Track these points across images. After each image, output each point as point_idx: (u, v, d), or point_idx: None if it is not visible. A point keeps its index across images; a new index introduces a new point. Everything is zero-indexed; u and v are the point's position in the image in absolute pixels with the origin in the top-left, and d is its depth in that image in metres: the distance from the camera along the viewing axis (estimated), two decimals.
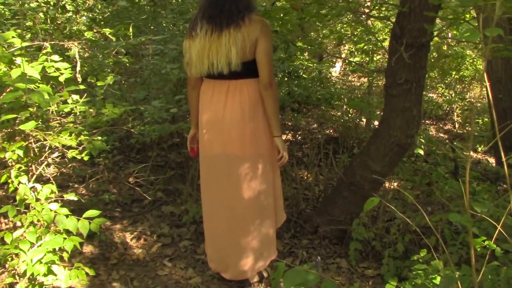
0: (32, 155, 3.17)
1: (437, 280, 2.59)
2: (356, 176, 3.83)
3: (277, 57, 4.76)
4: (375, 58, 6.74)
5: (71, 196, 2.84)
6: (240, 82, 3.09)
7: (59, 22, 4.11)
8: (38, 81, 2.81)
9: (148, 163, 5.22)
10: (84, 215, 2.81)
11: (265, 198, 3.26)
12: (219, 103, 3.11)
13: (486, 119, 6.82)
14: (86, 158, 2.95)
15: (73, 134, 2.80)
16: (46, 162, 3.33)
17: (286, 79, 5.22)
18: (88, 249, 3.91)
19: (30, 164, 3.18)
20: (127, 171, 5.15)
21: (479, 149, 6.68)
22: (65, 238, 2.75)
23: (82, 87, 3.11)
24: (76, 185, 4.67)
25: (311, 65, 5.95)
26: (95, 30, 3.25)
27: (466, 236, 3.42)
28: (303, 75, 5.42)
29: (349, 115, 5.80)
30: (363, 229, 3.84)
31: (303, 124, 6.91)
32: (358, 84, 7.61)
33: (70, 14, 4.25)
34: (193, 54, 3.05)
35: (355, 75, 8.22)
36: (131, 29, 3.72)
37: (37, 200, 2.74)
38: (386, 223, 3.95)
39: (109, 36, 3.32)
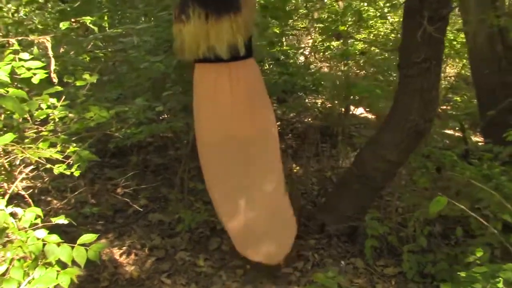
0: (3, 172, 2.62)
1: (500, 285, 2.21)
2: (367, 168, 3.44)
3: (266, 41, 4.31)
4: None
5: (60, 220, 2.31)
6: (242, 64, 2.94)
7: (22, 14, 3.54)
8: (8, 84, 2.27)
9: (125, 167, 4.69)
10: (78, 241, 2.30)
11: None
12: (223, 95, 2.94)
13: (465, 97, 6.59)
14: (77, 174, 2.43)
15: (57, 145, 2.28)
16: (19, 178, 2.77)
17: (275, 68, 4.77)
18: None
19: (1, 182, 2.63)
20: (104, 177, 4.60)
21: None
22: (58, 272, 2.22)
23: (59, 88, 2.56)
24: (49, 199, 4.10)
25: (292, 51, 5.51)
26: (73, 20, 2.71)
27: (497, 224, 3.07)
28: (289, 61, 4.99)
29: (334, 102, 5.41)
30: (377, 224, 3.45)
31: (279, 114, 6.49)
32: (327, 70, 7.21)
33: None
34: (186, 38, 2.83)
35: (323, 61, 7.81)
36: (106, 18, 3.20)
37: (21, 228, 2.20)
38: (401, 216, 3.57)
39: (90, 26, 2.79)
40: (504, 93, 5.23)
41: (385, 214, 3.63)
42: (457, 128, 5.93)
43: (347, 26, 5.02)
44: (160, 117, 3.92)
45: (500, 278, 2.26)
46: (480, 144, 5.67)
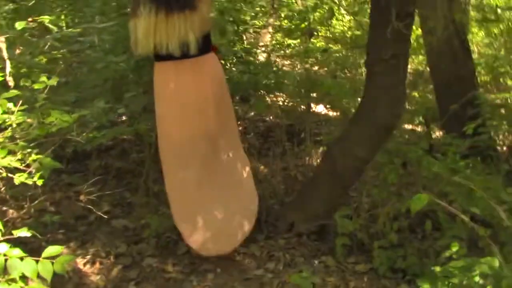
0: None
1: (477, 278, 2.20)
2: (336, 165, 3.41)
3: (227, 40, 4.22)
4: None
5: (23, 232, 2.16)
6: (200, 60, 2.98)
7: None
8: None
9: (84, 172, 4.51)
10: (44, 254, 2.16)
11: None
12: (186, 91, 3.00)
13: (422, 92, 6.67)
14: (40, 183, 2.28)
15: (19, 153, 2.13)
16: None
17: (237, 66, 4.68)
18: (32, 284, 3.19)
19: None
20: (62, 183, 4.41)
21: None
22: None
23: (16, 92, 2.41)
24: (4, 209, 3.89)
25: (253, 50, 5.43)
26: (30, 19, 2.55)
27: (465, 216, 3.08)
28: (251, 60, 4.92)
29: (296, 100, 5.36)
30: (347, 222, 3.42)
31: (240, 113, 6.40)
32: (289, 68, 7.16)
33: None
34: (138, 34, 2.87)
35: (281, 58, 7.76)
36: (63, 17, 3.04)
37: None
38: (369, 212, 3.55)
39: (49, 25, 2.63)
40: (460, 86, 5.32)
41: (354, 211, 3.60)
42: (416, 123, 6.00)
43: (316, 23, 4.99)
44: (121, 120, 3.77)
45: (476, 272, 2.26)
46: (439, 138, 5.76)
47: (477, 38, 8.41)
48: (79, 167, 4.65)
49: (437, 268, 2.48)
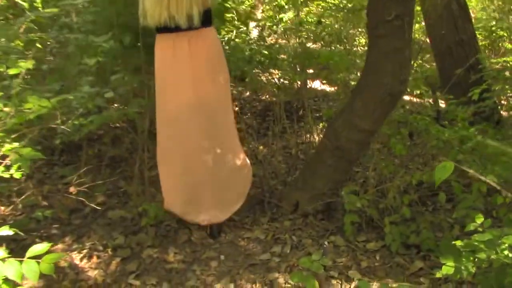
0: None
1: (506, 252, 1.98)
2: (341, 139, 3.18)
3: None
4: None
5: (4, 231, 1.93)
6: (199, 32, 3.00)
7: None
8: None
9: (77, 164, 4.27)
10: (28, 253, 1.94)
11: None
12: (183, 60, 3.00)
13: (419, 61, 6.43)
14: (18, 176, 2.04)
15: None
16: None
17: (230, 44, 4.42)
18: (28, 283, 2.97)
19: None
20: (55, 176, 4.17)
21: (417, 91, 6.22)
22: None
23: None
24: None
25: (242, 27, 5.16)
26: None
27: (482, 185, 2.86)
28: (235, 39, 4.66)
29: (293, 76, 5.10)
30: (355, 198, 3.20)
31: (235, 94, 6.15)
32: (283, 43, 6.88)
33: None
34: (147, 4, 2.90)
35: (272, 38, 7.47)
36: None
37: None
38: (377, 187, 3.33)
39: (21, 2, 2.37)
40: (461, 51, 5.09)
41: (361, 187, 3.38)
42: (417, 93, 5.76)
43: None
44: (112, 105, 3.52)
45: (505, 245, 2.04)
46: (442, 106, 5.52)
47: (472, 2, 8.15)
48: (72, 159, 4.41)
49: (458, 242, 2.26)
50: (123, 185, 3.95)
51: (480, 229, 2.17)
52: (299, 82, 5.76)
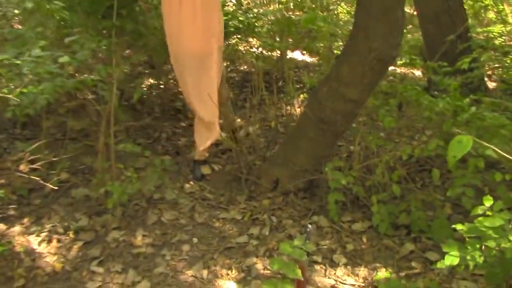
0: None
1: None
2: (325, 110, 2.84)
3: None
4: None
5: None
6: None
7: None
8: None
9: (40, 138, 3.86)
10: None
11: None
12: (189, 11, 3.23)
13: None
14: None
15: None
16: None
17: None
18: None
19: None
20: (15, 151, 3.76)
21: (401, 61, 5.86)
22: None
23: None
24: None
25: None
26: None
27: (479, 161, 2.56)
28: None
29: (272, 44, 4.72)
30: (340, 174, 2.87)
31: None
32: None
33: None
34: None
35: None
36: None
37: None
38: (365, 163, 3.01)
39: None
40: (448, 19, 4.76)
41: (346, 162, 3.06)
42: (400, 63, 5.42)
43: None
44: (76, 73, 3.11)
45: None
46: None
47: None
48: (34, 133, 4.00)
49: (459, 226, 1.96)
50: (88, 161, 3.56)
51: (489, 213, 1.86)
52: (278, 52, 5.39)
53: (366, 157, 3.11)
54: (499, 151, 1.71)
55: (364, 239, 2.81)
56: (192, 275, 2.59)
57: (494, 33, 5.80)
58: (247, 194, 3.26)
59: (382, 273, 2.51)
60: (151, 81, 4.98)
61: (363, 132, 3.04)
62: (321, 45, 4.58)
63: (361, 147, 3.12)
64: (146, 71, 5.03)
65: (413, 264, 2.60)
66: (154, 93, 4.85)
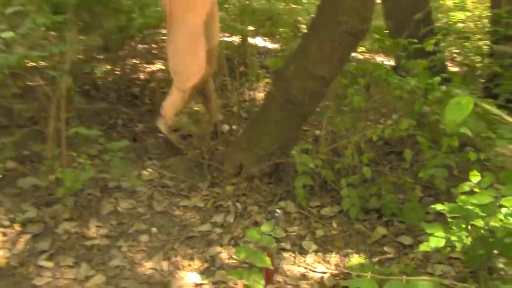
0: None
1: (502, 216, 1.53)
2: (292, 89, 2.66)
3: None
4: None
5: None
6: None
7: None
8: None
9: None
10: None
11: None
12: None
13: None
14: None
15: None
16: None
17: None
18: None
19: None
20: None
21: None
22: None
23: None
24: None
25: None
26: None
27: (453, 140, 2.43)
28: None
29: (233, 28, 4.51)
30: (307, 157, 2.70)
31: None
32: None
33: None
34: None
35: None
36: None
37: None
38: (333, 145, 2.85)
39: None
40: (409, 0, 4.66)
41: (313, 145, 2.89)
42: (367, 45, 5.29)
43: None
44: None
45: (503, 208, 1.59)
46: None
47: None
48: None
49: (440, 206, 1.81)
50: (36, 148, 3.27)
51: (477, 190, 1.71)
52: (239, 37, 5.19)
53: (334, 140, 2.95)
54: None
55: (334, 225, 2.65)
56: (151, 267, 2.37)
57: (455, 19, 5.77)
58: (209, 181, 3.05)
59: (355, 259, 2.36)
60: (108, 67, 4.69)
61: (331, 112, 2.88)
62: (283, 29, 4.39)
63: (328, 131, 2.96)
64: (101, 57, 4.75)
65: (386, 249, 2.46)
66: (109, 79, 4.57)
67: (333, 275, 2.29)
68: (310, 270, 2.34)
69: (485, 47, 4.92)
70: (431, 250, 1.63)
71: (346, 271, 2.29)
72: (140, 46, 5.11)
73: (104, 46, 4.74)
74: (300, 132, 3.24)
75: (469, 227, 1.61)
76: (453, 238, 1.57)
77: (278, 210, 2.17)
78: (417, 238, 2.52)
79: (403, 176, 2.81)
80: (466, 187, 1.74)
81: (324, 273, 2.31)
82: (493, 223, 1.53)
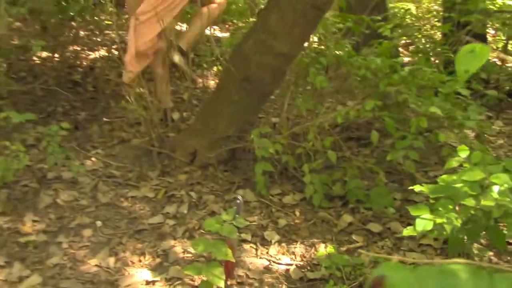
0: None
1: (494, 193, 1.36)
2: (251, 66, 2.43)
3: None
4: None
5: None
6: None
7: None
8: None
9: None
10: None
11: None
12: None
13: None
14: None
15: None
16: None
17: None
18: None
19: None
20: None
21: None
22: None
23: None
24: None
25: None
26: None
27: (421, 120, 2.27)
28: None
29: None
30: (267, 142, 2.48)
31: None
32: None
33: None
34: None
35: None
36: None
37: None
38: (295, 128, 2.64)
39: None
40: None
41: (273, 129, 2.67)
42: None
43: None
44: None
45: (494, 186, 1.42)
46: None
47: None
48: None
49: (418, 188, 1.63)
50: None
51: (466, 165, 1.53)
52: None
53: (295, 124, 2.75)
54: None
55: (297, 213, 2.44)
56: (96, 265, 2.08)
57: (406, 9, 5.72)
58: (160, 169, 2.77)
59: (324, 250, 2.16)
60: (45, 53, 4.31)
61: (292, 93, 2.67)
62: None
63: (288, 116, 2.75)
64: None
65: (354, 237, 2.27)
66: (48, 65, 4.19)
67: (299, 267, 2.08)
68: (274, 262, 2.12)
69: (437, 35, 4.88)
70: (418, 235, 1.44)
71: (314, 262, 2.09)
72: (82, 32, 4.76)
73: (43, 29, 4.38)
74: (257, 116, 3.01)
75: (457, 208, 1.44)
76: (439, 220, 1.39)
77: (239, 197, 1.94)
78: (385, 225, 2.35)
79: (369, 160, 2.64)
80: (454, 162, 1.56)
81: (290, 265, 2.10)
82: (485, 203, 1.36)
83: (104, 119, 3.36)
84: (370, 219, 2.39)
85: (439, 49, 4.38)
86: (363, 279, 1.93)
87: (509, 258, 2.11)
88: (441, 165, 3.10)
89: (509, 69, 4.44)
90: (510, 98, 3.97)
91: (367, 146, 3.16)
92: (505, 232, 1.58)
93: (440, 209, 1.42)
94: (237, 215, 1.88)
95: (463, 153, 1.57)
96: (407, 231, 1.49)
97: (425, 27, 5.32)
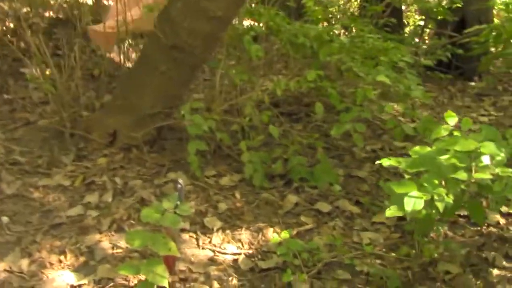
0: None
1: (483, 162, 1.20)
2: (180, 32, 2.11)
3: None
4: None
5: None
6: None
7: None
8: None
9: None
10: None
11: None
12: None
13: None
14: None
15: None
16: None
17: None
18: None
19: None
20: None
21: None
22: None
23: None
24: None
25: None
26: None
27: (368, 90, 2.10)
28: None
29: None
30: (199, 118, 2.20)
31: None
32: None
33: None
34: None
35: None
36: None
37: None
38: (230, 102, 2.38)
39: None
40: None
41: (206, 103, 2.39)
42: None
43: None
44: None
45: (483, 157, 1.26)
46: None
47: None
48: None
49: (387, 161, 1.45)
50: None
51: (457, 133, 1.36)
52: None
53: (231, 97, 2.48)
54: None
55: (238, 196, 2.19)
56: (5, 269, 1.70)
57: None
58: (74, 153, 2.40)
59: (274, 235, 1.93)
60: None
61: (225, 64, 2.39)
62: None
63: (222, 89, 2.47)
64: None
65: (303, 219, 2.06)
66: None
67: (248, 256, 1.84)
68: (219, 252, 1.85)
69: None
70: (408, 216, 1.25)
71: (263, 249, 1.85)
72: None
73: None
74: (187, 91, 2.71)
75: (443, 182, 1.27)
76: (426, 197, 1.21)
77: (180, 180, 1.66)
78: (333, 203, 2.17)
79: (312, 134, 2.44)
80: (443, 131, 1.38)
81: (237, 254, 1.85)
82: (478, 175, 1.20)
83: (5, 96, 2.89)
84: (316, 198, 2.20)
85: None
86: (321, 265, 1.72)
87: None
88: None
89: None
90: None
91: (298, 122, 2.98)
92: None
93: (426, 184, 1.24)
94: (179, 202, 1.60)
95: (452, 120, 1.40)
96: (390, 212, 1.29)
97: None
